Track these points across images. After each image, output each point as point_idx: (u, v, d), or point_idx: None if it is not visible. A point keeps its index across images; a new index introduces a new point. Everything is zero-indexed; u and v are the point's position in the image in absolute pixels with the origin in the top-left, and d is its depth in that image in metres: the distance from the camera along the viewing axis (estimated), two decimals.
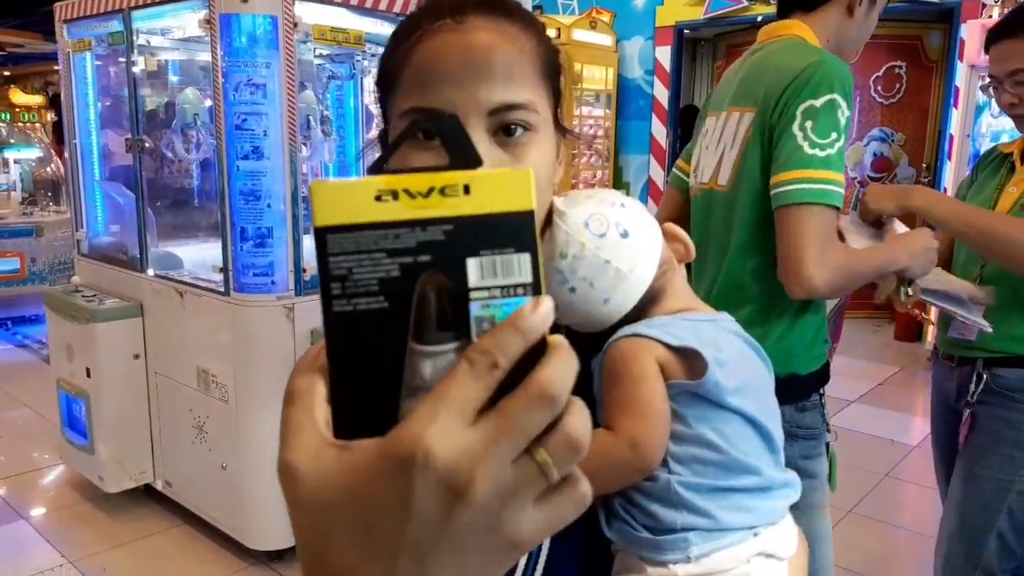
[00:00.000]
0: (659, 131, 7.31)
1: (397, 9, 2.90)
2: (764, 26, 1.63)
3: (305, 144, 2.97)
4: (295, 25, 2.58)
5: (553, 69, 0.75)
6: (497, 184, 0.39)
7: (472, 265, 0.38)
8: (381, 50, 2.94)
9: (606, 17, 7.47)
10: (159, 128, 3.40)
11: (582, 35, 7.03)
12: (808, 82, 1.37)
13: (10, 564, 3.02)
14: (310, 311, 2.76)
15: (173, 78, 3.54)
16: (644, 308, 0.79)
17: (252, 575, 2.90)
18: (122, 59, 3.19)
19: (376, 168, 0.41)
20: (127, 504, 3.34)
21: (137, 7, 2.94)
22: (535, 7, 7.15)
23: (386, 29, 3.01)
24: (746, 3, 6.49)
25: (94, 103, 3.52)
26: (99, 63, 3.52)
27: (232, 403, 2.81)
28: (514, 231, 0.39)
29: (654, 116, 7.36)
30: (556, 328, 0.78)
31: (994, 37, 1.76)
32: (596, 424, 0.76)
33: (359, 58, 3.45)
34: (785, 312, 1.51)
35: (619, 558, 0.78)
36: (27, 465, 3.87)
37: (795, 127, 1.37)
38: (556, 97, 0.75)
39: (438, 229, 0.38)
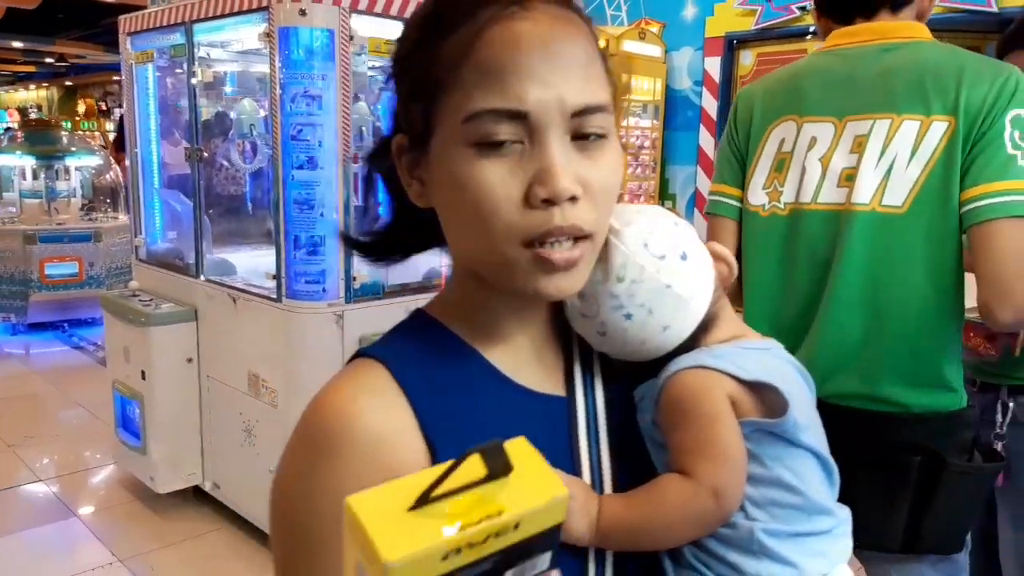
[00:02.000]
0: (707, 142, 7.25)
1: None
2: (846, 27, 1.48)
3: (357, 154, 3.02)
4: (351, 38, 2.62)
5: (608, 66, 0.67)
6: (542, 514, 0.45)
7: (509, 574, 0.45)
8: None
9: (655, 28, 7.45)
10: (215, 138, 3.48)
11: (631, 46, 7.01)
12: (1015, 91, 1.30)
13: (62, 561, 3.10)
14: (359, 318, 2.80)
15: (228, 89, 3.62)
16: (697, 335, 0.72)
17: None
18: (178, 70, 3.26)
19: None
20: (176, 505, 3.40)
21: (199, 20, 3.02)
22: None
23: None
24: (798, 13, 6.42)
25: (155, 113, 3.62)
26: (159, 74, 3.62)
27: (281, 407, 2.85)
28: (546, 540, 0.46)
29: (702, 127, 7.31)
30: (588, 354, 0.76)
31: (1003, 50, 1.66)
32: (639, 452, 0.72)
33: None
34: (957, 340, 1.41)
35: None
36: (81, 464, 3.98)
37: (1006, 136, 1.27)
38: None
39: (488, 561, 0.44)
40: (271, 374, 2.89)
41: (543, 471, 0.47)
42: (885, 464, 1.36)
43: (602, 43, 0.67)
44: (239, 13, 2.77)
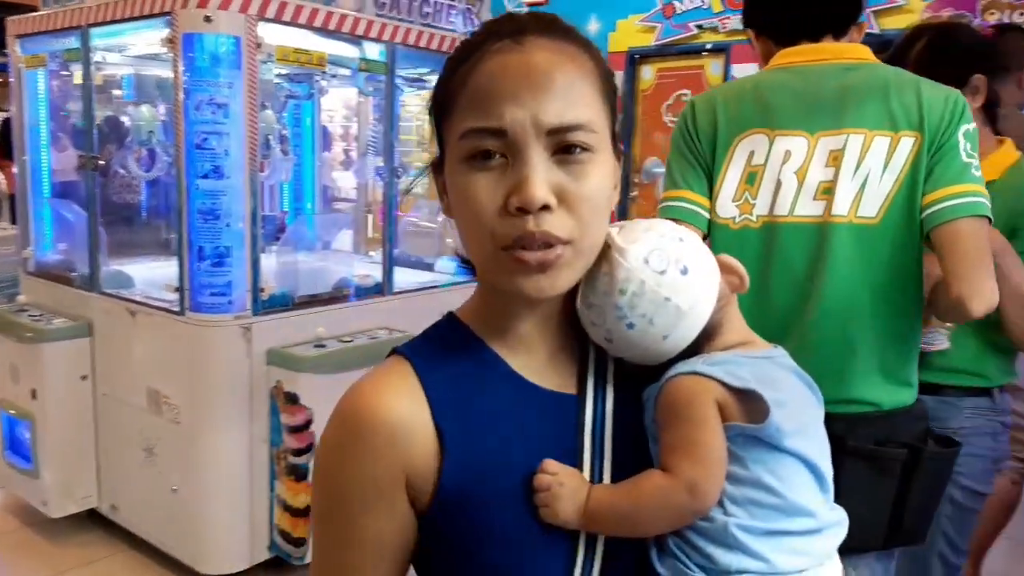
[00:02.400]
0: None
1: (360, 31, 2.92)
2: (795, 47, 1.56)
3: (264, 163, 2.97)
4: (258, 46, 2.58)
5: (610, 90, 0.75)
6: None
7: None
8: (343, 71, 2.90)
9: None
10: (108, 144, 3.35)
11: None
12: (964, 108, 1.41)
13: None
14: (267, 330, 2.75)
15: (118, 92, 3.49)
16: (701, 342, 0.78)
17: None
18: (64, 72, 3.11)
19: None
20: (70, 530, 3.23)
21: (96, 24, 2.90)
22: None
23: (348, 51, 3.03)
24: (695, 31, 6.68)
25: (46, 120, 3.45)
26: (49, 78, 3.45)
27: (185, 424, 2.76)
28: None
29: None
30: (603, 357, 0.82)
31: None
32: (641, 453, 0.78)
33: (318, 78, 3.47)
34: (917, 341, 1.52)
35: None
36: None
37: (960, 148, 1.39)
38: (613, 119, 0.75)
39: None
40: (173, 390, 2.80)
41: None
42: (871, 461, 1.43)
43: None
44: (140, 18, 2.68)
